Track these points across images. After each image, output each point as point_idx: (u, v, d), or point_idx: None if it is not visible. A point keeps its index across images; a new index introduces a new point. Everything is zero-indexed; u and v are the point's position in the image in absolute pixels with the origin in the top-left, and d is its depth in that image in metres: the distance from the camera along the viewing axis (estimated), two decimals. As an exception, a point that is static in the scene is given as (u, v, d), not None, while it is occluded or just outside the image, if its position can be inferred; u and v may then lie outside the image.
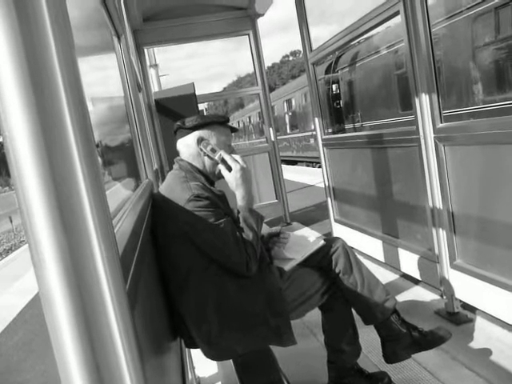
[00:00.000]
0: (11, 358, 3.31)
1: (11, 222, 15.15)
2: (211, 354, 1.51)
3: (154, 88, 9.85)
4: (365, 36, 3.49)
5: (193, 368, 2.11)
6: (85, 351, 0.35)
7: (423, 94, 2.24)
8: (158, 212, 1.49)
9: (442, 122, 2.20)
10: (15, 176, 0.34)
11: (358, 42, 9.04)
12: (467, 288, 2.21)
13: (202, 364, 2.16)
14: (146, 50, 4.94)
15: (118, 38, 1.87)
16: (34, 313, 4.31)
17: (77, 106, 0.35)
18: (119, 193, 1.48)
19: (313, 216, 5.64)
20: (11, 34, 0.32)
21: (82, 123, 0.36)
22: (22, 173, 0.33)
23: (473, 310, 2.32)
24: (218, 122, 1.61)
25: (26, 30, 0.33)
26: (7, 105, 0.33)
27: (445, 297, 2.38)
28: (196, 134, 1.58)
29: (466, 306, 2.33)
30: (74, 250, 0.35)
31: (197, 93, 4.64)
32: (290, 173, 11.00)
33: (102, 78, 1.63)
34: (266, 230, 1.85)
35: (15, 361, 3.22)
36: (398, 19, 2.34)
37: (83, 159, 0.35)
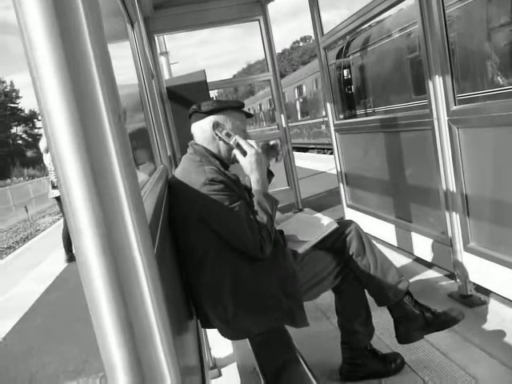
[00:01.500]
0: (32, 340, 3.41)
1: (27, 211, 15.39)
2: (228, 333, 1.54)
3: (165, 76, 9.84)
4: (376, 19, 3.45)
5: (209, 348, 2.16)
6: (119, 310, 0.38)
7: (437, 77, 2.23)
8: (174, 195, 1.52)
9: (455, 105, 2.19)
10: (54, 154, 0.37)
11: (370, 26, 8.90)
12: (481, 271, 2.21)
13: (216, 344, 2.21)
14: (156, 38, 4.94)
15: (132, 25, 1.89)
16: (51, 298, 4.42)
17: (109, 88, 0.38)
18: (138, 177, 1.51)
19: (325, 202, 5.64)
20: (50, 24, 0.35)
21: (113, 105, 0.38)
22: (59, 150, 0.36)
23: (486, 292, 2.33)
24: (233, 107, 1.63)
25: (63, 20, 0.35)
26: (46, 89, 0.35)
27: (458, 280, 2.39)
28: (211, 118, 1.60)
29: (479, 288, 2.33)
30: (107, 218, 0.37)
31: (208, 80, 4.64)
32: (301, 160, 10.98)
33: (119, 65, 1.65)
34: (278, 216, 1.86)
35: (36, 344, 3.32)
36: (411, 1, 2.32)
37: (116, 137, 0.38)
